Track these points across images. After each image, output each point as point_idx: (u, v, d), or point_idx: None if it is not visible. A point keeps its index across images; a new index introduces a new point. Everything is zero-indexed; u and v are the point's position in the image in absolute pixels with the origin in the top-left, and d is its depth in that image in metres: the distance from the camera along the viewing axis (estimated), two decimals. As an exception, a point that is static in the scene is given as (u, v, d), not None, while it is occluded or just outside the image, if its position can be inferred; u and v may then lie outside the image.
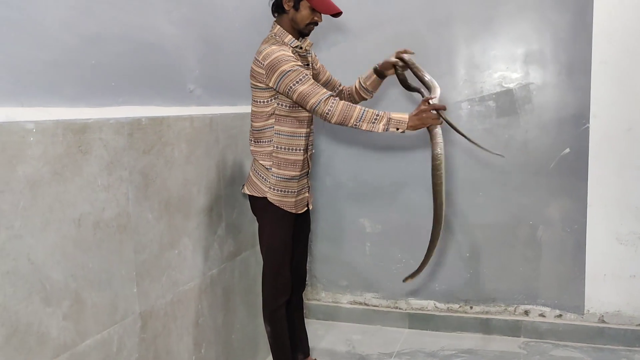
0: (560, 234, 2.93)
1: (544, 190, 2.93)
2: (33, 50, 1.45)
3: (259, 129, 2.19)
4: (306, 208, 2.35)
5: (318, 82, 2.27)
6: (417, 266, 2.18)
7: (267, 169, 2.19)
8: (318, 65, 2.40)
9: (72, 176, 1.52)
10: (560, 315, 2.97)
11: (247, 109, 2.53)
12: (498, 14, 2.90)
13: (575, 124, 2.84)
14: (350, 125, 2.02)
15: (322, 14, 2.14)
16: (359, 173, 3.22)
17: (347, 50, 3.14)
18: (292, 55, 2.08)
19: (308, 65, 2.26)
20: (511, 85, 2.92)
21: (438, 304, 3.18)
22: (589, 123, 2.77)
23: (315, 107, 2.02)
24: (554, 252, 2.95)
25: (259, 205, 2.24)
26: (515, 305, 3.04)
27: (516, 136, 2.94)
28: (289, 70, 2.01)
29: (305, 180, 2.31)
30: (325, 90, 2.04)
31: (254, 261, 2.66)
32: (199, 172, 2.19)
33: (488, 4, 2.90)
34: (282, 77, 2.03)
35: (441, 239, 2.10)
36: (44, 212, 1.43)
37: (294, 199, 2.24)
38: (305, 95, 2.02)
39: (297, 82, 2.02)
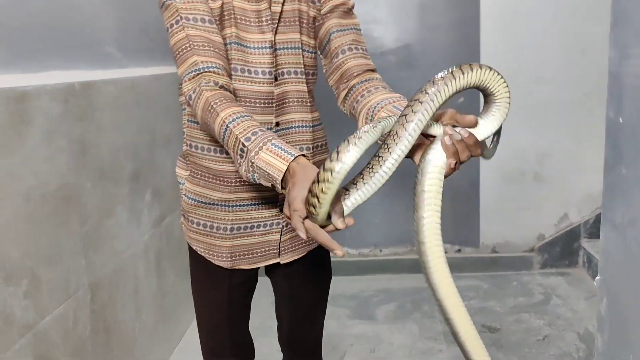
0: (457, 176, 3.22)
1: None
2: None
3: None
4: (278, 260, 1.34)
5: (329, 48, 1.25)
6: None
7: (180, 183, 1.35)
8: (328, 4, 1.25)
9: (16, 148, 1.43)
10: (459, 250, 3.31)
11: (164, 69, 2.47)
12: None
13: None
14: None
15: None
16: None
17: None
18: None
19: None
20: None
21: (349, 250, 3.37)
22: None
23: (181, 81, 1.16)
24: (450, 193, 3.24)
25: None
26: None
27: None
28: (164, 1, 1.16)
29: (275, 210, 1.29)
30: (207, 56, 1.12)
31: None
32: (124, 139, 2.12)
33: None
34: (162, 14, 1.18)
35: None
36: (-5, 187, 1.35)
37: (227, 242, 1.30)
38: (175, 56, 1.16)
39: (171, 27, 1.15)
